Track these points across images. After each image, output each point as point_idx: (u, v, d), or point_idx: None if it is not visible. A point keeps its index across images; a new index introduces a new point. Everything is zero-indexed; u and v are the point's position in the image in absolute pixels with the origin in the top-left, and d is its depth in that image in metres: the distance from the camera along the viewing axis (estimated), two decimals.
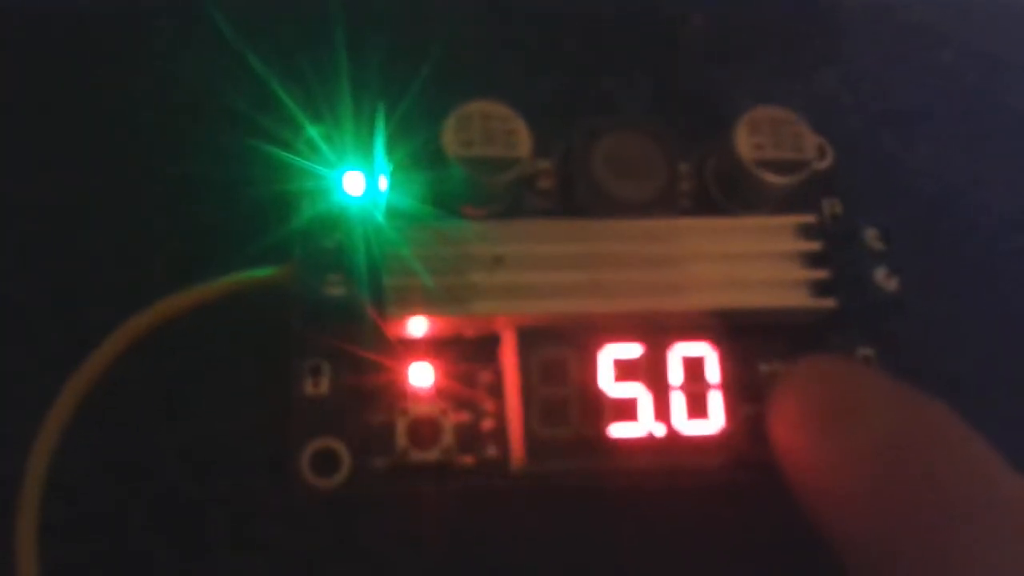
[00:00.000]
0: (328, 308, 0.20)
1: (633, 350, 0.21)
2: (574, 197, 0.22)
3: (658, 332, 0.21)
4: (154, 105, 0.23)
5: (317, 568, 0.20)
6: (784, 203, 0.23)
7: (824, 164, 0.24)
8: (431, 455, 0.20)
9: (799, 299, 0.22)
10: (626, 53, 0.27)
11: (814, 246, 0.22)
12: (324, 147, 0.21)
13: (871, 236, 0.22)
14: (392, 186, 0.20)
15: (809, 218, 0.22)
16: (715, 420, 0.20)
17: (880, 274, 0.22)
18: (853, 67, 0.28)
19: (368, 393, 0.20)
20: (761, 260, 0.22)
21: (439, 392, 0.20)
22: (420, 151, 0.21)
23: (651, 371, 0.20)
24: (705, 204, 0.23)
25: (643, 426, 0.20)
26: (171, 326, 0.20)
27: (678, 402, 0.20)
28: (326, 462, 0.19)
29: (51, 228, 0.22)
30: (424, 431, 0.20)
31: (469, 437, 0.20)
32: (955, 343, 0.24)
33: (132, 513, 0.20)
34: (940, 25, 0.30)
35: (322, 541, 0.20)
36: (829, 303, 0.22)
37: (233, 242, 0.21)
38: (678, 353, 0.21)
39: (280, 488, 0.19)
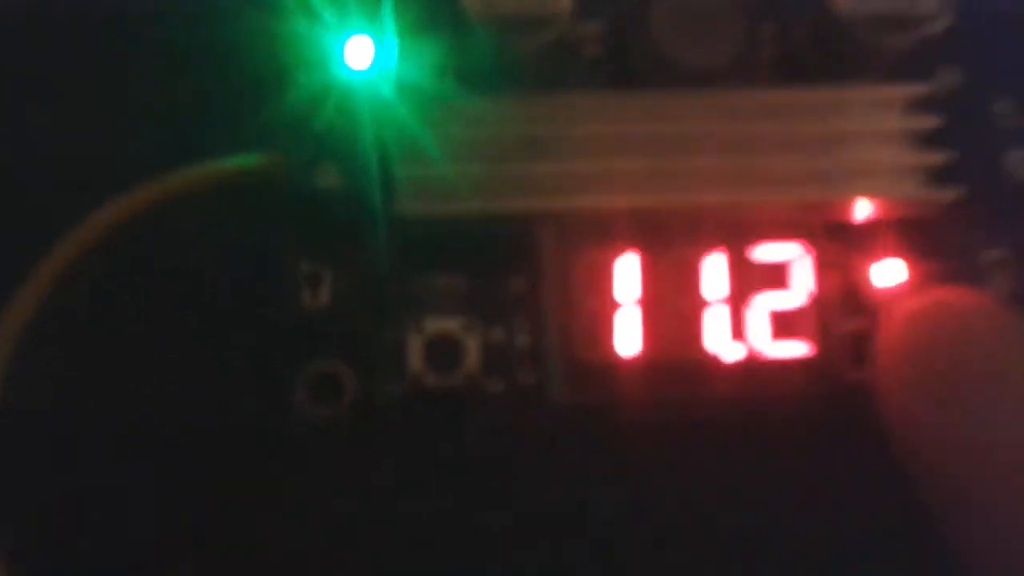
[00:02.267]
0: (323, 203, 0.17)
1: (703, 253, 0.17)
2: (629, 65, 0.18)
3: (735, 231, 0.18)
4: None
5: (315, 510, 0.17)
6: (893, 70, 0.19)
7: (943, 21, 0.19)
8: (452, 380, 0.17)
9: (912, 189, 0.18)
10: None
11: (930, 123, 0.18)
12: (322, 7, 0.18)
13: (1003, 110, 0.19)
14: (403, 55, 0.18)
15: (925, 89, 0.18)
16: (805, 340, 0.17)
17: (1015, 158, 0.18)
18: None
19: (376, 305, 0.17)
20: (863, 141, 0.18)
21: (462, 304, 0.17)
22: (436, 10, 0.18)
23: (726, 279, 0.17)
24: (793, 73, 0.19)
25: (716, 347, 0.17)
26: (142, 221, 0.17)
27: (759, 317, 0.17)
28: (327, 387, 0.17)
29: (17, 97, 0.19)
30: (444, 351, 0.17)
31: (498, 359, 0.17)
32: None
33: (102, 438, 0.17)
34: None
35: (321, 480, 0.18)
36: (950, 193, 0.18)
37: (216, 122, 0.18)
38: (760, 257, 0.17)
39: (273, 418, 0.17)
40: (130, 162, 0.18)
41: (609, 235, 0.17)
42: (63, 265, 0.17)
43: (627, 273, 0.17)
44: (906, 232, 0.18)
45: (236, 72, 0.18)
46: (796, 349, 0.17)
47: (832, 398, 0.17)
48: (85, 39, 0.19)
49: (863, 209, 0.18)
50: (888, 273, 0.18)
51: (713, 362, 0.17)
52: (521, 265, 0.17)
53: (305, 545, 0.18)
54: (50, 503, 0.17)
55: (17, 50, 0.19)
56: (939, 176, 0.18)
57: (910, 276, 0.18)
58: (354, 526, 0.17)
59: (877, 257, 0.18)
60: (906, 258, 0.18)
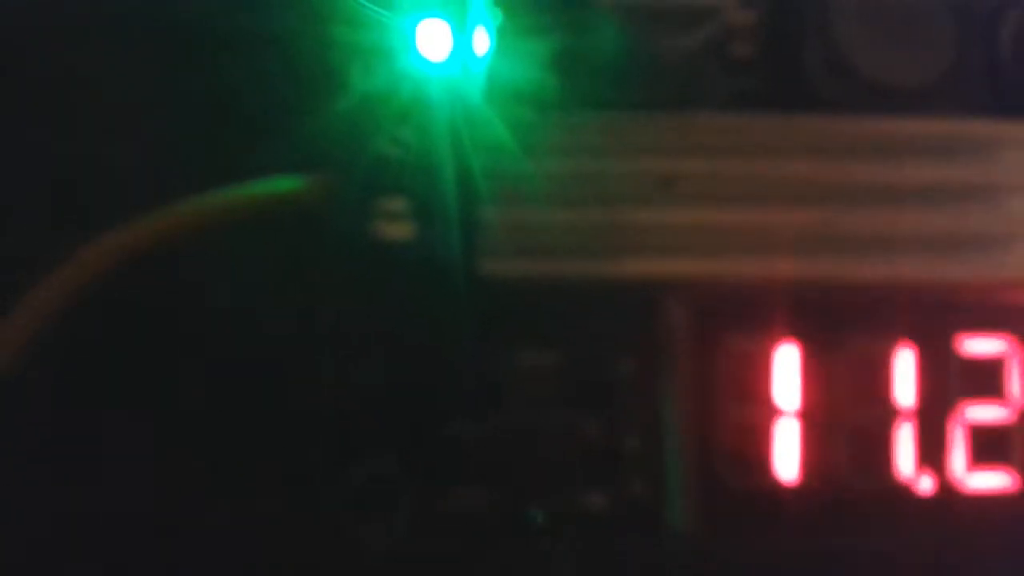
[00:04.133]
0: (376, 251, 0.13)
1: (888, 348, 0.14)
2: (799, 74, 0.15)
3: (930, 318, 0.14)
4: None
5: None
6: None
7: None
8: (537, 490, 0.14)
9: None
10: None
11: None
12: None
13: None
14: (497, 48, 0.14)
15: None
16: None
17: None
18: None
19: (442, 390, 0.14)
20: None
21: (556, 391, 0.14)
22: None
23: (914, 386, 0.14)
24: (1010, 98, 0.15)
25: (899, 475, 0.14)
26: (154, 255, 0.14)
27: (957, 438, 0.14)
28: (375, 497, 0.14)
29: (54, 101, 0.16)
30: (529, 451, 0.14)
31: (602, 466, 0.14)
32: None
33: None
34: None
35: None
36: None
37: (256, 127, 0.14)
38: (962, 353, 0.14)
39: (306, 537, 0.14)
40: (159, 176, 0.15)
41: (763, 317, 0.14)
42: (69, 290, 0.14)
43: (787, 370, 0.13)
44: None
45: (283, 69, 0.15)
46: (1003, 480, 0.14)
47: None
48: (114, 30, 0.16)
49: None
50: None
51: (903, 492, 0.14)
52: (639, 345, 0.14)
53: None
54: None
55: (53, 54, 0.16)
56: None
57: None
58: None
59: None
60: None
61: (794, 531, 0.14)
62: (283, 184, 0.14)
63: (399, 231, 0.14)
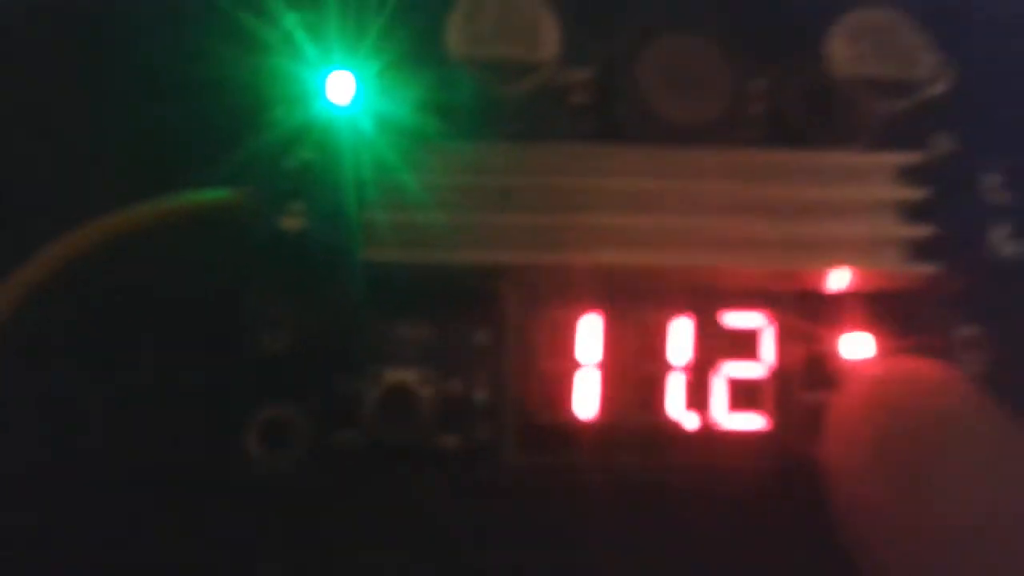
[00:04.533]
0: (286, 246, 0.17)
1: (668, 318, 0.17)
2: (615, 118, 0.18)
3: (702, 297, 0.17)
4: None
5: (262, 558, 0.17)
6: (883, 136, 0.18)
7: (940, 87, 0.19)
8: (406, 433, 0.17)
9: (892, 261, 0.18)
10: None
11: (917, 194, 0.18)
12: (305, 41, 0.18)
13: (991, 184, 0.18)
14: (384, 94, 0.17)
15: (914, 157, 0.18)
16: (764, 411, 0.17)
17: (998, 234, 0.18)
18: None
19: (334, 352, 0.17)
20: (847, 210, 0.18)
21: (422, 355, 0.17)
22: (419, 50, 0.18)
23: (688, 347, 0.17)
24: (781, 134, 0.19)
25: (671, 415, 0.17)
26: (107, 250, 0.17)
27: (719, 388, 0.17)
28: (278, 434, 0.17)
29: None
30: (401, 402, 0.17)
31: (457, 414, 0.17)
32: None
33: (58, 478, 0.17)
34: None
35: (270, 527, 0.17)
36: (930, 268, 0.17)
37: (195, 154, 0.18)
38: (725, 325, 0.17)
39: (224, 462, 0.17)
40: (106, 188, 0.18)
41: (574, 294, 0.17)
42: (25, 290, 0.17)
43: (590, 334, 0.17)
44: (878, 305, 0.18)
45: (217, 106, 0.18)
46: (754, 421, 0.17)
47: (788, 473, 0.17)
48: (67, 65, 0.19)
49: (839, 280, 0.18)
50: (856, 346, 0.18)
51: (673, 429, 0.17)
52: (485, 319, 0.17)
53: None
54: None
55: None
56: (921, 250, 0.17)
57: (879, 350, 0.18)
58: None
59: (846, 330, 0.18)
60: (876, 332, 0.18)
61: (593, 458, 0.17)
62: (219, 194, 0.17)
63: (296, 226, 0.17)
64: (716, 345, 0.17)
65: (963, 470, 0.14)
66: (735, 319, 0.17)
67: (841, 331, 0.18)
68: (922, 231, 0.17)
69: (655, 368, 0.17)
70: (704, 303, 0.17)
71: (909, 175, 0.18)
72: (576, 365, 0.17)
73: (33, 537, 0.17)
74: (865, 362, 0.17)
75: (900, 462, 0.15)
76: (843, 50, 0.17)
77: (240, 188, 0.17)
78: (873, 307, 0.18)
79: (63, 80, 0.19)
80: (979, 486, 0.14)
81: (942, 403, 0.15)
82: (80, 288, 0.17)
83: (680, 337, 0.17)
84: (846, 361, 0.17)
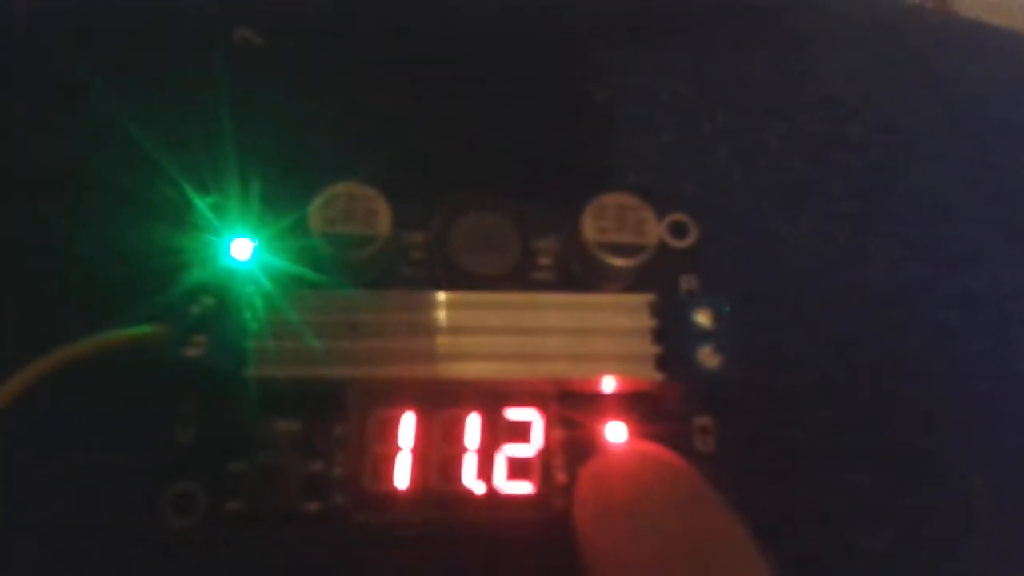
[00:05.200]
0: (190, 367, 0.22)
1: (466, 414, 0.23)
2: (436, 269, 0.25)
3: (492, 398, 0.23)
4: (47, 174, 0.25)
5: None
6: (641, 279, 0.25)
7: (687, 241, 0.26)
8: (280, 502, 0.22)
9: (641, 370, 0.24)
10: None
11: (653, 323, 0.24)
12: (213, 217, 0.24)
13: (701, 315, 0.24)
14: (272, 254, 0.23)
15: (647, 297, 0.24)
16: (533, 480, 0.23)
17: (704, 352, 0.23)
18: (750, 142, 0.30)
19: (228, 442, 0.23)
20: (606, 335, 0.24)
21: (294, 443, 0.23)
22: (296, 222, 0.24)
23: (479, 433, 0.23)
24: (568, 279, 0.25)
25: (466, 484, 0.23)
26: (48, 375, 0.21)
27: (500, 463, 0.23)
28: (185, 503, 0.22)
29: None
30: (276, 478, 0.22)
31: (318, 486, 0.22)
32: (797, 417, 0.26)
33: (14, 540, 0.22)
34: (849, 99, 0.31)
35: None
36: (659, 377, 0.23)
37: (124, 301, 0.22)
38: (508, 418, 0.23)
39: (142, 524, 0.22)
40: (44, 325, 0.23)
41: (396, 399, 0.23)
42: None
43: (407, 427, 0.23)
44: (631, 401, 0.24)
45: (146, 261, 0.24)
46: (524, 488, 0.23)
47: (548, 525, 0.23)
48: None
49: (606, 385, 0.24)
50: (614, 432, 0.24)
51: (467, 494, 0.22)
52: (340, 416, 0.23)
53: None
54: None
55: None
56: (659, 362, 0.24)
57: (630, 435, 0.24)
58: None
59: (605, 420, 0.24)
60: (629, 421, 0.24)
61: (410, 516, 0.22)
62: (143, 330, 0.22)
63: (196, 354, 0.21)
64: (499, 432, 0.23)
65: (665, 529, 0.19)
66: (514, 413, 0.23)
67: (603, 421, 0.24)
68: (657, 349, 0.23)
69: (455, 450, 0.23)
70: (490, 402, 0.23)
71: (651, 309, 0.24)
72: (397, 449, 0.22)
73: None
74: (606, 444, 0.23)
75: (620, 520, 0.19)
76: (591, 222, 0.23)
77: (161, 324, 0.22)
78: (627, 403, 0.24)
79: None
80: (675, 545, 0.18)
81: (660, 477, 0.21)
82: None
83: (473, 427, 0.23)
84: (600, 443, 0.23)
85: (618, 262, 0.23)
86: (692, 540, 0.18)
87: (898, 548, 0.24)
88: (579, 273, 0.25)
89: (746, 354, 0.24)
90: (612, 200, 0.24)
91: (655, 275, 0.25)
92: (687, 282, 0.26)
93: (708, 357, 0.24)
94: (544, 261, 0.25)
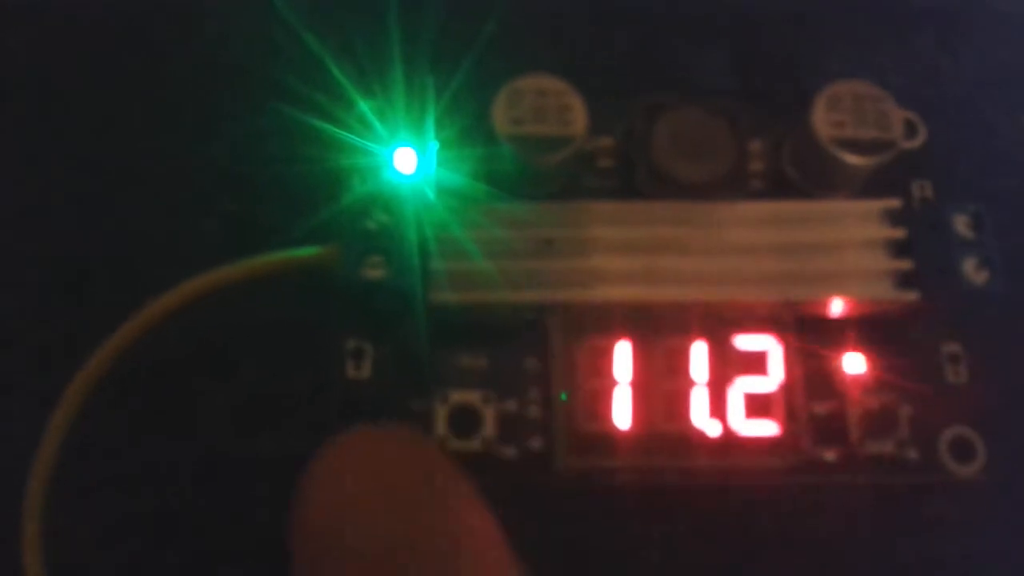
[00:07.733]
0: (368, 291, 0.19)
1: (690, 343, 0.20)
2: (635, 177, 0.21)
3: (717, 324, 0.20)
4: (208, 79, 0.23)
5: None
6: (867, 186, 0.21)
7: (915, 142, 0.22)
8: (471, 445, 0.19)
9: (880, 291, 0.20)
10: (701, 19, 0.25)
11: (897, 234, 0.20)
12: (376, 123, 0.21)
13: (960, 223, 0.20)
14: (442, 164, 0.20)
15: (894, 203, 0.21)
16: (775, 420, 0.19)
17: (969, 265, 0.20)
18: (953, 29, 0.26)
19: (409, 378, 0.20)
20: (839, 248, 0.20)
21: (482, 380, 0.20)
22: (471, 128, 0.20)
23: (708, 366, 0.20)
24: (781, 186, 0.21)
25: (696, 424, 0.19)
26: (215, 298, 0.19)
27: (736, 400, 0.19)
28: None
29: (103, 195, 0.22)
30: (465, 420, 0.20)
31: (513, 428, 0.20)
32: None
33: (179, 470, 0.20)
34: None
35: None
36: (911, 296, 0.20)
37: (282, 219, 0.20)
38: (738, 347, 0.20)
39: None
40: (207, 248, 0.21)
41: (608, 325, 0.20)
42: (128, 342, 0.19)
43: (623, 358, 0.20)
44: (874, 327, 0.20)
45: (303, 177, 0.21)
46: (766, 428, 0.19)
47: (796, 472, 0.19)
48: (173, 138, 0.22)
49: (836, 308, 0.20)
50: (853, 363, 0.20)
51: (696, 436, 0.19)
52: (534, 348, 0.20)
53: None
54: None
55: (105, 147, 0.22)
56: (904, 279, 0.20)
57: (871, 367, 0.20)
58: None
59: (844, 350, 0.20)
60: (869, 351, 0.20)
61: (629, 463, 0.19)
62: (308, 251, 0.20)
63: (376, 276, 0.19)
64: (730, 364, 0.20)
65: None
66: (745, 341, 0.20)
67: (839, 351, 0.20)
68: (903, 264, 0.20)
69: (679, 385, 0.19)
70: (718, 329, 0.20)
71: (891, 218, 0.20)
72: (613, 383, 0.19)
73: None
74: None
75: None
76: (824, 116, 0.20)
77: (328, 245, 0.20)
78: (866, 330, 0.20)
79: (166, 149, 0.22)
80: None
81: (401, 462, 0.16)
82: (180, 339, 0.20)
83: (699, 358, 0.20)
84: (848, 376, 0.20)
85: (859, 161, 0.20)
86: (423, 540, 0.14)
87: None
88: (798, 179, 0.21)
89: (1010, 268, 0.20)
90: (847, 89, 0.20)
91: (880, 181, 0.21)
92: (920, 188, 0.22)
93: (974, 271, 0.20)
94: (762, 166, 0.21)
